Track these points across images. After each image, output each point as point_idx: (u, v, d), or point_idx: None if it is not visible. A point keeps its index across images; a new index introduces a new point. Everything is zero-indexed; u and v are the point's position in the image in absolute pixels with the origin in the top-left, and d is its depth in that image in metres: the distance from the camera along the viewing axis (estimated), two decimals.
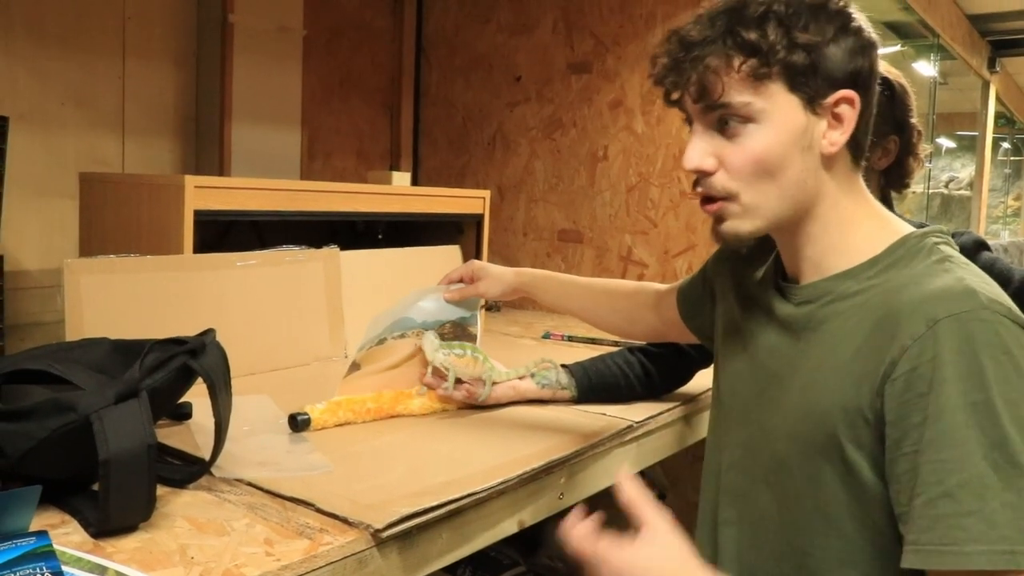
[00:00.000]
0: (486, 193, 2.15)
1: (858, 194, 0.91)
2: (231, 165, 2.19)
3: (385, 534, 0.86)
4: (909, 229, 0.89)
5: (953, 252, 0.86)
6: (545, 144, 2.58)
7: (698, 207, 0.91)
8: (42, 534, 0.77)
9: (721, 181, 0.87)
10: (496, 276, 1.35)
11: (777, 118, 0.84)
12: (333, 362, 1.65)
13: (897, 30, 5.04)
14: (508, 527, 1.06)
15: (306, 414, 1.19)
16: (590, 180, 2.49)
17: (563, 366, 1.42)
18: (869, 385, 0.79)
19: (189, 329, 1.05)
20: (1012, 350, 0.74)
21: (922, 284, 0.80)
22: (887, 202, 1.44)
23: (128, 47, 2.10)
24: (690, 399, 1.46)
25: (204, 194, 1.50)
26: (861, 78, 0.86)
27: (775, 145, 0.85)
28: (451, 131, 2.82)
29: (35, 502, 0.79)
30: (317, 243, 1.70)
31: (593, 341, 1.94)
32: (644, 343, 1.44)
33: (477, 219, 2.13)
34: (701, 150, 0.88)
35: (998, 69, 5.87)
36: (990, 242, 1.51)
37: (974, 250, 1.39)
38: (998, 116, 6.89)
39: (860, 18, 0.87)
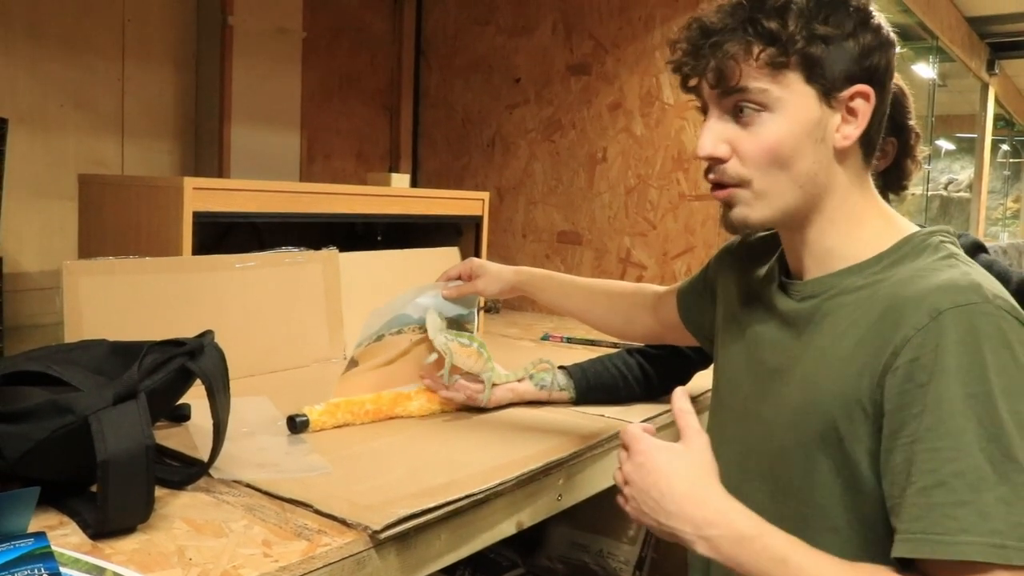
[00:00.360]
0: (485, 195, 2.15)
1: (867, 191, 0.91)
2: (230, 167, 2.20)
3: (383, 535, 0.86)
4: (915, 228, 0.90)
5: (958, 251, 0.87)
6: (544, 146, 2.58)
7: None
8: (40, 535, 0.77)
9: (734, 168, 0.88)
10: (495, 274, 1.35)
11: (792, 108, 0.85)
12: (332, 363, 1.65)
13: (896, 32, 5.03)
14: (507, 528, 1.06)
15: (304, 416, 1.19)
16: (589, 182, 2.49)
17: (561, 367, 1.42)
18: (870, 375, 0.80)
19: (188, 331, 1.05)
20: (1014, 345, 0.75)
21: (927, 277, 0.81)
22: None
23: (128, 49, 2.11)
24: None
25: (203, 196, 1.50)
26: (877, 75, 0.87)
27: (789, 135, 0.85)
28: (450, 133, 2.82)
29: (33, 503, 0.79)
30: (316, 245, 1.70)
31: (592, 343, 1.94)
32: (643, 345, 1.45)
33: (476, 221, 2.13)
34: (715, 137, 0.88)
35: (997, 71, 5.86)
36: (989, 244, 1.51)
37: (971, 252, 1.38)
38: (997, 118, 6.88)
39: (880, 16, 0.88)
